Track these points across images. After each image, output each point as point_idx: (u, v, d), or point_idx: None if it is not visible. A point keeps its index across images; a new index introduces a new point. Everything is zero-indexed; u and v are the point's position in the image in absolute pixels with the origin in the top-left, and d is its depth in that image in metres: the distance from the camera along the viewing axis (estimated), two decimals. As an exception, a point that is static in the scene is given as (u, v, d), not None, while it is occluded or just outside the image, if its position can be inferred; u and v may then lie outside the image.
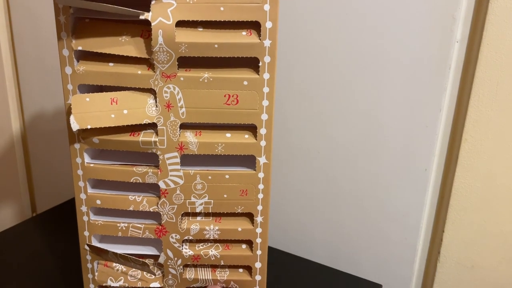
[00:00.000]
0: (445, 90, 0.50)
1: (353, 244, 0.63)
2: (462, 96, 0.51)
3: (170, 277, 0.44)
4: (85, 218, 0.43)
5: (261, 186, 0.41)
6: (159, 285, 0.45)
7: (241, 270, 0.45)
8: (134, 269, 0.45)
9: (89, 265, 0.45)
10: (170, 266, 0.44)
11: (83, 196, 0.42)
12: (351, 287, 0.55)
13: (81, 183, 0.42)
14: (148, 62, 0.37)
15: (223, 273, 0.45)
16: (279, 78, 0.58)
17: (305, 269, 0.59)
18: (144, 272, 0.45)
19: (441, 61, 0.49)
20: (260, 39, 0.36)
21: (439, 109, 0.51)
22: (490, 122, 0.50)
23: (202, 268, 0.45)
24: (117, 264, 0.45)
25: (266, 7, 0.36)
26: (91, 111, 0.38)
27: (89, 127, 0.38)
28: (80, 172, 0.41)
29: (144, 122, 0.39)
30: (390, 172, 0.56)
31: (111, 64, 0.38)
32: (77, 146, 0.40)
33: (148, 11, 0.36)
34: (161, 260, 0.44)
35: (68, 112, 0.38)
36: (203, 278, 0.45)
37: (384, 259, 0.61)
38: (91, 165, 0.41)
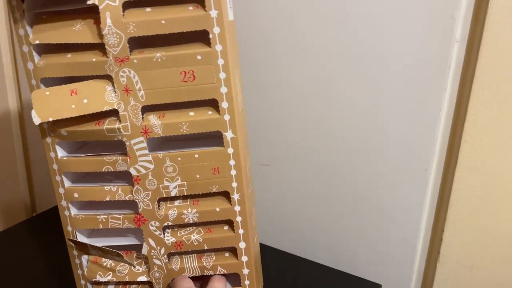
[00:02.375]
0: (445, 90, 0.49)
1: (353, 244, 0.62)
2: (462, 96, 0.50)
3: (156, 269, 0.44)
4: (67, 212, 0.44)
5: (232, 162, 0.40)
6: (146, 279, 0.44)
7: (227, 254, 0.44)
8: (121, 264, 0.45)
9: (77, 261, 0.45)
10: (155, 256, 0.43)
11: (61, 190, 0.43)
12: (351, 287, 0.54)
13: (57, 178, 0.42)
14: (101, 48, 0.38)
15: (209, 259, 0.44)
16: (279, 78, 0.57)
17: (305, 269, 0.57)
18: (132, 267, 0.45)
19: (441, 61, 0.49)
20: (205, 10, 0.36)
21: (439, 109, 0.50)
22: (490, 122, 0.49)
23: (188, 256, 0.44)
24: (106, 260, 0.45)
25: (208, -23, 0.35)
26: (51, 104, 0.38)
27: (50, 119, 0.38)
28: (55, 166, 0.42)
29: (105, 109, 0.39)
30: (390, 172, 0.55)
31: (68, 55, 0.39)
32: (48, 140, 0.41)
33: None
34: (144, 251, 0.43)
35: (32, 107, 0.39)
36: (190, 266, 0.44)
37: (384, 259, 0.60)
38: (64, 158, 0.42)
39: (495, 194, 0.51)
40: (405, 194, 0.55)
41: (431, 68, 0.49)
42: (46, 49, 0.39)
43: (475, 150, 0.50)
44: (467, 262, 0.55)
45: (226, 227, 0.43)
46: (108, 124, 0.40)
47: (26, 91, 0.67)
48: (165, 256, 0.43)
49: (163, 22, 0.36)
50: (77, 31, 0.38)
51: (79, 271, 0.46)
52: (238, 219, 0.42)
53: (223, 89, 0.38)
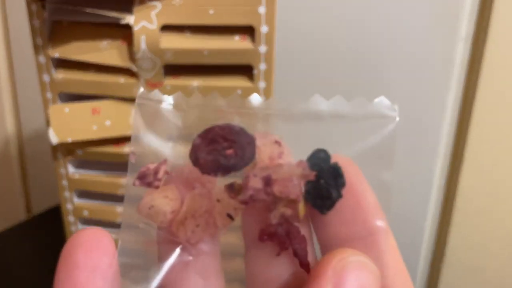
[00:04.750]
0: (450, 89, 0.48)
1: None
2: (467, 96, 0.49)
3: None
4: (73, 228, 0.41)
5: None
6: None
7: None
8: None
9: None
10: None
11: (69, 206, 0.40)
12: (351, 288, 0.54)
13: (66, 194, 0.40)
14: (131, 70, 0.34)
15: None
16: (279, 77, 0.55)
17: (305, 269, 0.57)
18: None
19: (445, 60, 0.47)
20: (254, 44, 0.33)
21: (444, 109, 0.49)
22: (496, 122, 0.48)
23: None
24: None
25: (261, 9, 0.32)
26: (71, 123, 0.35)
27: (69, 140, 0.35)
28: (65, 182, 0.39)
29: (130, 134, 0.36)
30: (393, 173, 0.54)
31: (92, 71, 0.35)
32: (60, 157, 0.38)
33: (131, 13, 0.32)
34: None
35: (48, 124, 0.35)
36: None
37: None
38: (76, 176, 0.39)
39: (502, 195, 0.51)
40: (408, 196, 0.55)
41: (436, 66, 0.48)
42: (65, 62, 0.35)
43: (480, 151, 0.50)
44: (472, 265, 0.55)
45: None
46: (129, 147, 0.37)
47: (24, 90, 0.62)
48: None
49: (205, 53, 0.33)
50: (104, 49, 0.34)
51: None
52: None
53: (260, 127, 0.36)
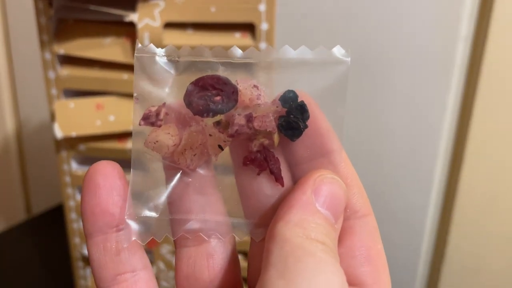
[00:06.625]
0: (450, 88, 0.48)
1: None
2: (468, 95, 0.49)
3: None
4: (75, 225, 0.41)
5: None
6: None
7: None
8: None
9: (82, 272, 0.44)
10: (162, 278, 0.42)
11: (72, 203, 0.41)
12: (351, 290, 0.54)
13: (69, 190, 0.40)
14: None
15: None
16: None
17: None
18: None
19: (446, 59, 0.48)
20: (254, 41, 0.34)
21: (444, 108, 0.49)
22: (496, 121, 0.49)
23: None
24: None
25: (262, 7, 0.33)
26: (76, 118, 0.36)
27: (74, 134, 0.36)
28: (67, 179, 0.40)
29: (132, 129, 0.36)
30: (393, 173, 0.54)
31: (96, 68, 0.36)
32: (64, 153, 0.38)
33: (134, 11, 0.33)
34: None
35: (52, 119, 0.36)
36: None
37: (387, 262, 0.60)
38: (79, 172, 0.39)
39: (502, 195, 0.51)
40: (409, 195, 0.55)
41: (436, 66, 0.48)
42: (70, 58, 0.36)
43: (481, 150, 0.50)
44: (473, 266, 0.55)
45: None
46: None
47: (22, 89, 0.63)
48: (173, 278, 0.42)
49: (207, 49, 0.34)
50: (108, 46, 0.35)
51: (83, 281, 0.44)
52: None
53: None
